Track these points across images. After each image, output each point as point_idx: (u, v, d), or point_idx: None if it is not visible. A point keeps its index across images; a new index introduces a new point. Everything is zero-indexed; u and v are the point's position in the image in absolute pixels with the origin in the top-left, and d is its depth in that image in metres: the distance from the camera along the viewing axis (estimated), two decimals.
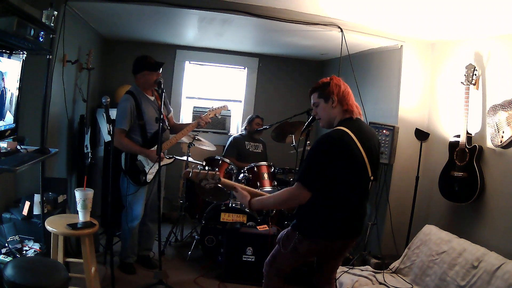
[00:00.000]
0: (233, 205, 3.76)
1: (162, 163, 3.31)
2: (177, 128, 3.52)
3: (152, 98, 3.39)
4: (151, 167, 3.30)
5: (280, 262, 2.32)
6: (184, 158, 4.11)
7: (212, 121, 5.26)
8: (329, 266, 2.40)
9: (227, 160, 4.18)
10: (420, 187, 3.58)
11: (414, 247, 3.19)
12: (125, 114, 3.20)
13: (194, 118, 5.35)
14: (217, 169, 2.39)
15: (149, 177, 3.31)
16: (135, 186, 3.30)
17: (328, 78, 2.25)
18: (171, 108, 3.64)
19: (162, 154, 3.26)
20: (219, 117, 3.75)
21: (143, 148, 3.26)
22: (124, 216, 3.39)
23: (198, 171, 2.29)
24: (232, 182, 2.43)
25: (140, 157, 3.31)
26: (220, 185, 2.39)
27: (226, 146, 4.76)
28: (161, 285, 3.06)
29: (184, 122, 5.45)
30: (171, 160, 3.50)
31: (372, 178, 2.19)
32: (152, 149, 3.27)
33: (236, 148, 4.65)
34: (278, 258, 2.32)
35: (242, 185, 2.41)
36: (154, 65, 3.28)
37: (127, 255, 3.46)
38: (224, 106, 3.64)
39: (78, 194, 2.58)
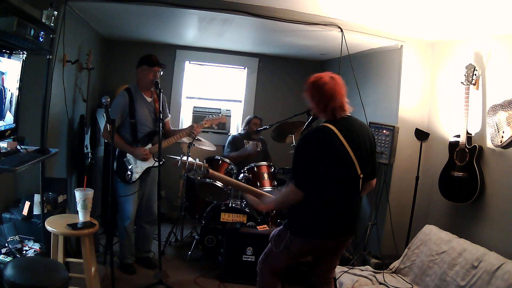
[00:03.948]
0: (233, 205, 3.76)
1: (148, 165, 3.33)
2: (170, 134, 3.50)
3: (149, 100, 3.39)
4: (136, 166, 3.30)
5: (273, 260, 2.32)
6: (184, 158, 4.10)
7: None
8: (326, 266, 2.39)
9: (227, 160, 4.18)
10: (420, 187, 3.58)
11: (414, 247, 3.19)
12: (116, 109, 3.22)
13: (194, 118, 5.36)
14: (205, 161, 2.44)
15: (135, 175, 3.31)
16: (122, 183, 3.31)
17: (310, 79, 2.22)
18: (168, 114, 3.64)
19: (150, 154, 3.28)
20: (215, 127, 3.74)
21: (129, 146, 3.27)
22: (119, 216, 3.41)
23: (186, 161, 2.33)
24: (222, 175, 2.44)
25: (128, 155, 3.31)
26: (209, 178, 2.43)
27: (226, 144, 4.76)
28: (161, 285, 3.06)
29: (184, 122, 5.47)
30: (160, 162, 3.48)
31: (361, 175, 2.15)
32: (140, 147, 3.28)
33: (235, 146, 4.66)
34: (270, 256, 2.33)
35: (231, 179, 2.44)
36: (154, 62, 3.29)
37: (124, 255, 3.46)
38: (222, 117, 3.63)
39: (78, 194, 2.58)
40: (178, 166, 2.37)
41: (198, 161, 2.36)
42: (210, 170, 2.41)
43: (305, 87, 2.22)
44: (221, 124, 5.37)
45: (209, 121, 3.56)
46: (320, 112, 2.20)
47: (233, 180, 2.43)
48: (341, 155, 2.10)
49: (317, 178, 2.10)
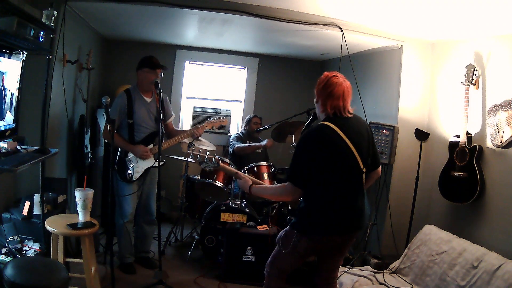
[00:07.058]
0: (233, 205, 3.76)
1: (149, 165, 3.34)
2: (173, 135, 3.50)
3: (149, 100, 3.38)
4: (137, 166, 3.32)
5: (281, 262, 2.33)
6: (184, 158, 4.11)
7: None
8: (329, 266, 2.39)
9: (227, 160, 4.18)
10: (420, 187, 3.58)
11: (414, 247, 3.19)
12: (115, 111, 3.23)
13: (194, 118, 5.37)
14: (216, 155, 2.55)
15: (135, 175, 3.32)
16: (123, 182, 3.31)
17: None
18: (172, 113, 3.63)
19: (149, 152, 3.29)
20: (216, 129, 3.75)
21: (129, 144, 3.28)
22: (117, 214, 3.42)
23: (198, 153, 2.46)
24: (232, 168, 2.54)
25: (130, 155, 3.32)
26: (219, 169, 2.59)
27: (232, 139, 4.74)
28: (161, 285, 3.06)
29: (184, 122, 5.47)
30: (161, 163, 3.48)
31: (364, 170, 2.19)
32: (140, 145, 3.30)
33: (242, 142, 4.67)
34: (278, 258, 2.33)
35: (237, 171, 2.53)
36: (155, 64, 3.29)
37: (123, 255, 3.47)
38: (223, 120, 3.65)
39: (78, 194, 2.58)
40: (190, 158, 2.50)
41: (208, 155, 2.48)
42: (221, 164, 2.51)
43: (319, 81, 2.23)
44: (221, 125, 5.41)
45: (211, 123, 3.58)
46: (323, 109, 2.21)
47: (238, 172, 2.52)
48: (343, 151, 2.13)
49: (319, 174, 2.12)
